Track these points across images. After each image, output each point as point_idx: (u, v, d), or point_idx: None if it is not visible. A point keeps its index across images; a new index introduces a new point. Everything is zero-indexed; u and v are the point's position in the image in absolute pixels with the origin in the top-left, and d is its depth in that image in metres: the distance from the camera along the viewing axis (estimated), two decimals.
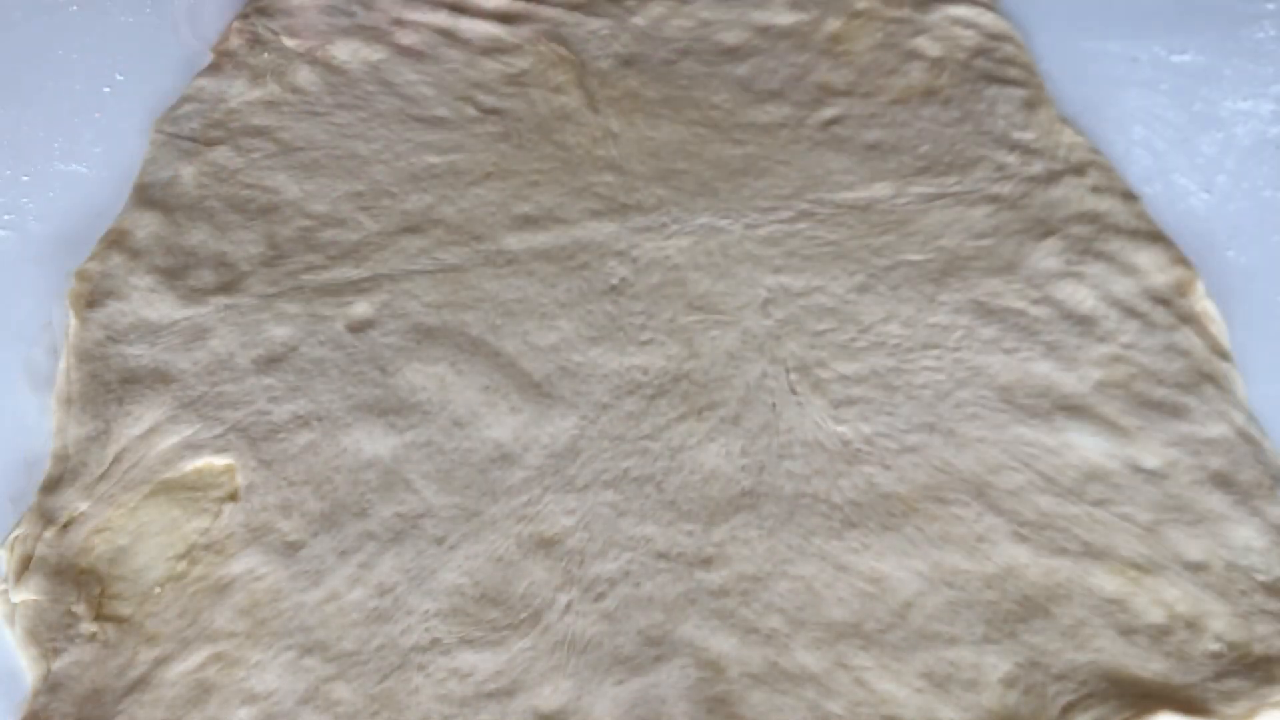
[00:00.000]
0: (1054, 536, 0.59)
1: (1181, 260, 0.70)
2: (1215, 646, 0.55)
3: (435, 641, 0.56)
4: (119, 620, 0.56)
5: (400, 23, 0.85)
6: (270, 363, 0.66)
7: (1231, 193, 0.76)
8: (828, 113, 0.80)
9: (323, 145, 0.77)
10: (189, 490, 0.61)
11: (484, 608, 0.57)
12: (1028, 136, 0.77)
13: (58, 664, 0.55)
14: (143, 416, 0.63)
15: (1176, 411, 0.63)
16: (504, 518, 0.60)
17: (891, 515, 0.60)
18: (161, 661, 0.55)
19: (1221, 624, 0.56)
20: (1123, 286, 0.69)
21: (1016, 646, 0.55)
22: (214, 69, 0.82)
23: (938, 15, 0.84)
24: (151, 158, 0.76)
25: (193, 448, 0.62)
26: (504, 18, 0.85)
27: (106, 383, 0.65)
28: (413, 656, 0.55)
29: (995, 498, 0.60)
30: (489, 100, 0.80)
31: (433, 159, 0.76)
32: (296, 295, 0.69)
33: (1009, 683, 0.54)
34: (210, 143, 0.77)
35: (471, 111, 0.79)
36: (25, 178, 0.76)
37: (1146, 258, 0.70)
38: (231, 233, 0.72)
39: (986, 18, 0.84)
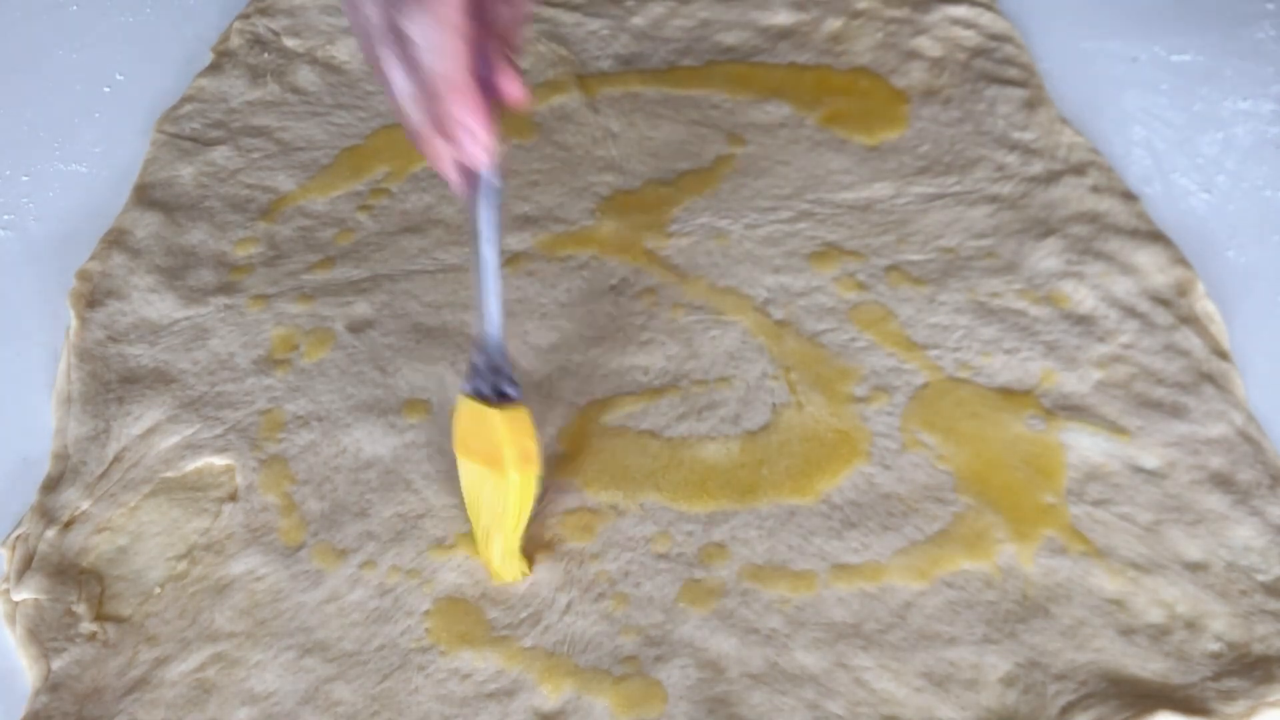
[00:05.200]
0: (1054, 536, 0.59)
1: (1181, 260, 0.70)
2: (1215, 646, 0.55)
3: (435, 641, 0.56)
4: (119, 620, 0.56)
5: None
6: (270, 363, 0.66)
7: (1231, 193, 0.76)
8: (828, 112, 0.79)
9: (323, 145, 0.77)
10: (189, 490, 0.61)
11: (484, 608, 0.57)
12: (1028, 136, 0.77)
13: (58, 664, 0.55)
14: (143, 416, 0.63)
15: (1176, 411, 0.63)
16: None
17: (891, 515, 0.60)
18: (162, 661, 0.55)
19: (1221, 624, 0.56)
20: (1123, 286, 0.69)
21: (1016, 646, 0.55)
22: (214, 69, 0.82)
23: (938, 15, 0.84)
24: (151, 158, 0.76)
25: (193, 448, 0.62)
26: None
27: (106, 382, 0.65)
28: (413, 657, 0.55)
29: (995, 497, 0.60)
30: None
31: None
32: (296, 295, 0.69)
33: (1009, 682, 0.54)
34: (210, 143, 0.77)
35: None
36: (25, 178, 0.76)
37: (1146, 258, 0.70)
38: (231, 232, 0.72)
39: (986, 18, 0.84)
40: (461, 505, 0.59)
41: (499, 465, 0.55)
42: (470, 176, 0.54)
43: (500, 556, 0.57)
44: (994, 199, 0.74)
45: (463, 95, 0.51)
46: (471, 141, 0.52)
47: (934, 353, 0.66)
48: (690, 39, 0.85)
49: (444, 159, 0.53)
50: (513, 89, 0.54)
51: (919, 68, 0.82)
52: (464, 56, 0.50)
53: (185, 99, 0.79)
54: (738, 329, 0.67)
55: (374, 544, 0.59)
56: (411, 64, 0.51)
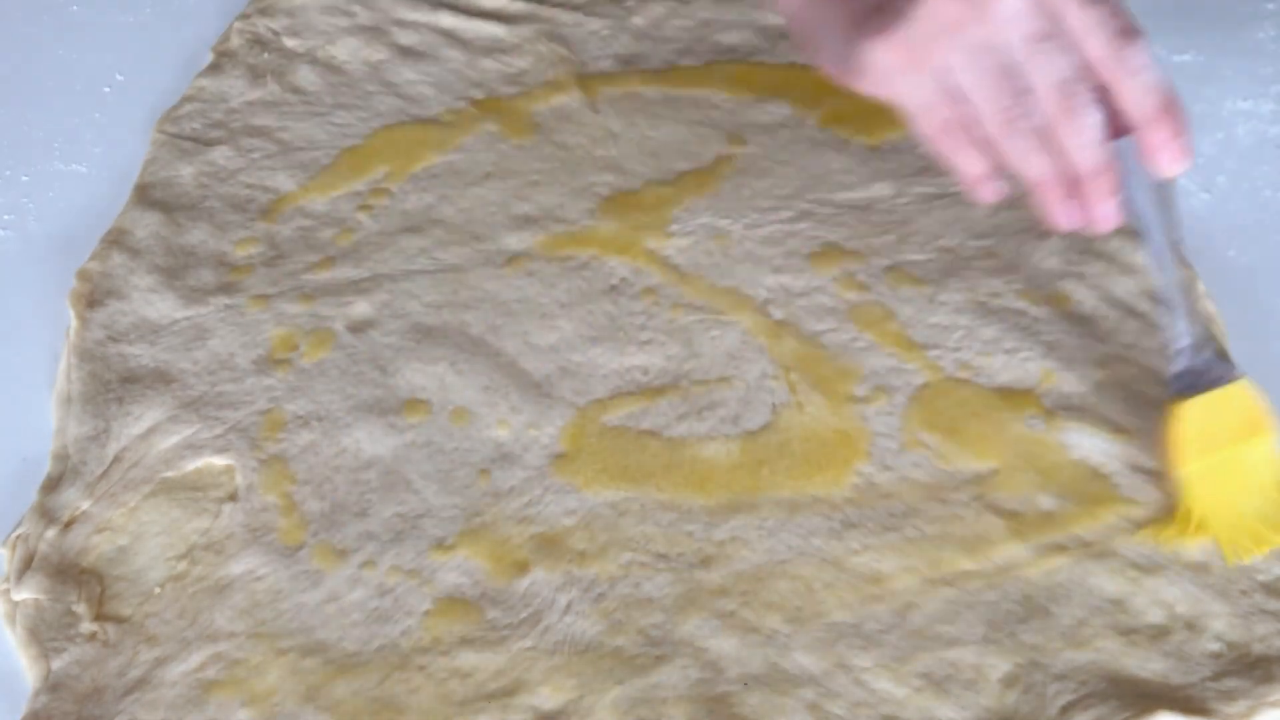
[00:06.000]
0: (1055, 536, 0.59)
1: (1181, 260, 0.70)
2: (1215, 646, 0.55)
3: (436, 641, 0.56)
4: (119, 620, 0.56)
5: (400, 22, 0.85)
6: (270, 363, 0.66)
7: (1231, 193, 0.75)
8: (828, 112, 0.79)
9: (323, 145, 0.77)
10: (189, 490, 0.61)
11: (484, 608, 0.57)
12: None
13: (58, 664, 0.55)
14: (143, 416, 0.63)
15: None
16: (504, 518, 0.60)
17: (891, 515, 0.60)
18: (162, 662, 0.55)
19: (1221, 624, 0.56)
20: (1123, 286, 0.69)
21: (1016, 646, 0.55)
22: (214, 69, 0.82)
23: None
24: (152, 158, 0.76)
25: (193, 448, 0.62)
26: (504, 18, 0.85)
27: (106, 382, 0.65)
28: (413, 657, 0.55)
29: (996, 497, 0.60)
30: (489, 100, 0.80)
31: (432, 159, 0.76)
32: (296, 295, 0.69)
33: (1009, 682, 0.54)
34: (210, 143, 0.77)
35: (472, 111, 0.79)
36: (25, 178, 0.76)
37: (1147, 258, 0.70)
38: (231, 233, 0.72)
39: None
40: (461, 505, 0.60)
41: (1254, 434, 0.57)
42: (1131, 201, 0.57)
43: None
44: None
45: (1172, 113, 0.56)
46: (1174, 160, 0.56)
47: (934, 353, 0.66)
48: (690, 39, 0.85)
49: (1112, 197, 0.56)
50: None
51: None
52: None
53: (185, 99, 0.79)
54: (738, 329, 0.67)
55: (374, 544, 0.59)
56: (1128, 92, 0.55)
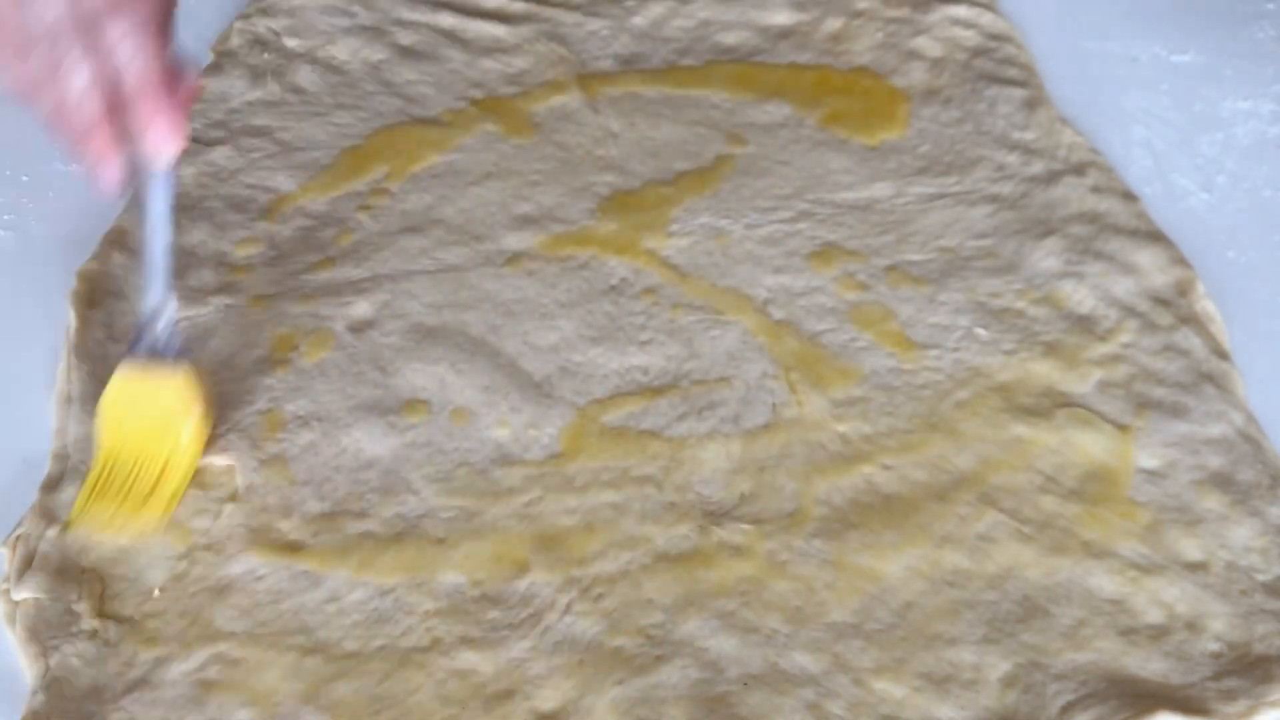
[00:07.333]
0: (1055, 536, 0.59)
1: (1181, 260, 0.70)
2: (1215, 646, 0.55)
3: (436, 641, 0.56)
4: (119, 620, 0.56)
5: (400, 22, 0.85)
6: (270, 363, 0.66)
7: (1231, 193, 0.76)
8: (828, 112, 0.80)
9: (323, 145, 0.77)
10: (189, 490, 0.61)
11: (484, 608, 0.57)
12: (1028, 136, 0.77)
13: (58, 663, 0.55)
14: None
15: (1176, 411, 0.63)
16: (504, 518, 0.60)
17: (891, 515, 0.60)
18: (162, 661, 0.55)
19: (1221, 624, 0.56)
20: (1123, 286, 0.69)
21: (1016, 646, 0.55)
22: (214, 69, 0.82)
23: (938, 15, 0.84)
24: None
25: None
26: (504, 18, 0.85)
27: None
28: (413, 656, 0.55)
29: (996, 497, 0.60)
30: (489, 100, 0.80)
31: (432, 159, 0.76)
32: (296, 295, 0.69)
33: (1009, 682, 0.54)
34: (210, 143, 0.77)
35: (472, 111, 0.79)
36: (25, 178, 0.76)
37: (1146, 258, 0.70)
38: (231, 233, 0.72)
39: (986, 18, 0.84)
40: (461, 505, 0.60)
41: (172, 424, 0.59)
42: (139, 171, 0.58)
43: (157, 514, 0.59)
44: (994, 199, 0.74)
45: (157, 93, 0.54)
46: (160, 138, 0.55)
47: (934, 353, 0.66)
48: (690, 39, 0.85)
49: (109, 157, 0.55)
50: (185, 92, 0.57)
51: (919, 68, 0.82)
52: (160, 58, 0.54)
53: None
54: (738, 329, 0.67)
55: (374, 544, 0.59)
56: (102, 63, 0.53)
